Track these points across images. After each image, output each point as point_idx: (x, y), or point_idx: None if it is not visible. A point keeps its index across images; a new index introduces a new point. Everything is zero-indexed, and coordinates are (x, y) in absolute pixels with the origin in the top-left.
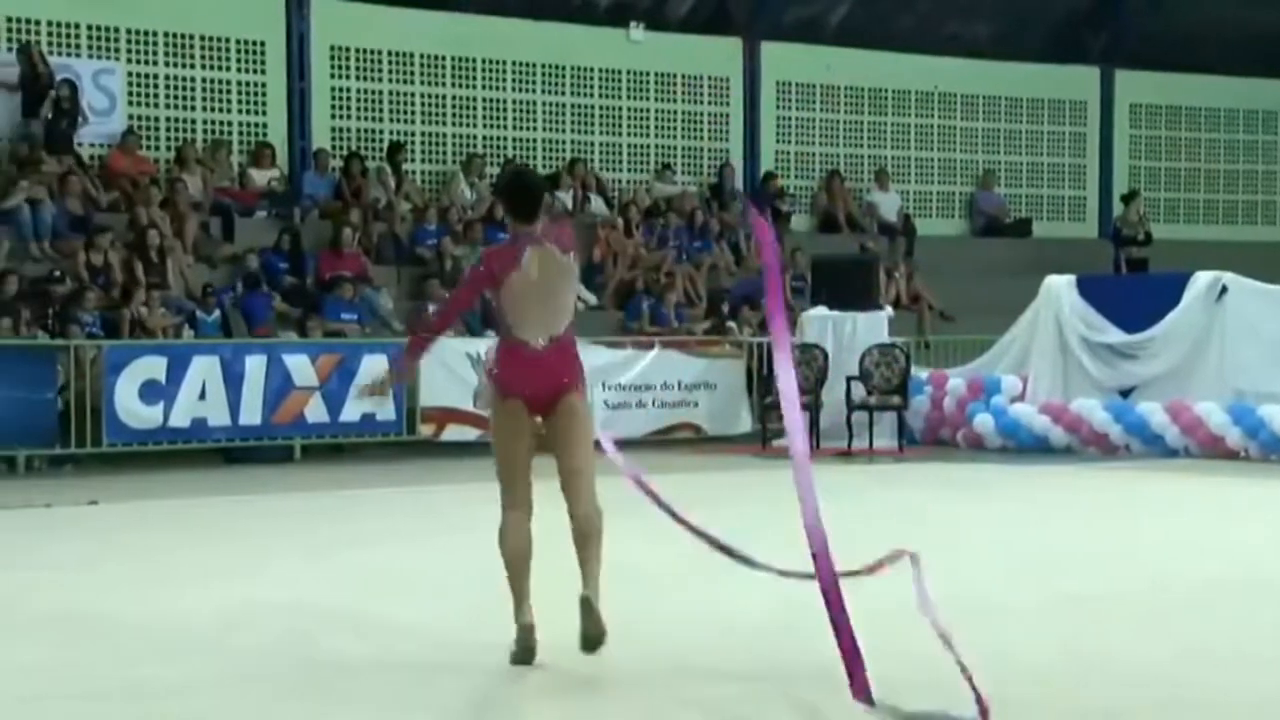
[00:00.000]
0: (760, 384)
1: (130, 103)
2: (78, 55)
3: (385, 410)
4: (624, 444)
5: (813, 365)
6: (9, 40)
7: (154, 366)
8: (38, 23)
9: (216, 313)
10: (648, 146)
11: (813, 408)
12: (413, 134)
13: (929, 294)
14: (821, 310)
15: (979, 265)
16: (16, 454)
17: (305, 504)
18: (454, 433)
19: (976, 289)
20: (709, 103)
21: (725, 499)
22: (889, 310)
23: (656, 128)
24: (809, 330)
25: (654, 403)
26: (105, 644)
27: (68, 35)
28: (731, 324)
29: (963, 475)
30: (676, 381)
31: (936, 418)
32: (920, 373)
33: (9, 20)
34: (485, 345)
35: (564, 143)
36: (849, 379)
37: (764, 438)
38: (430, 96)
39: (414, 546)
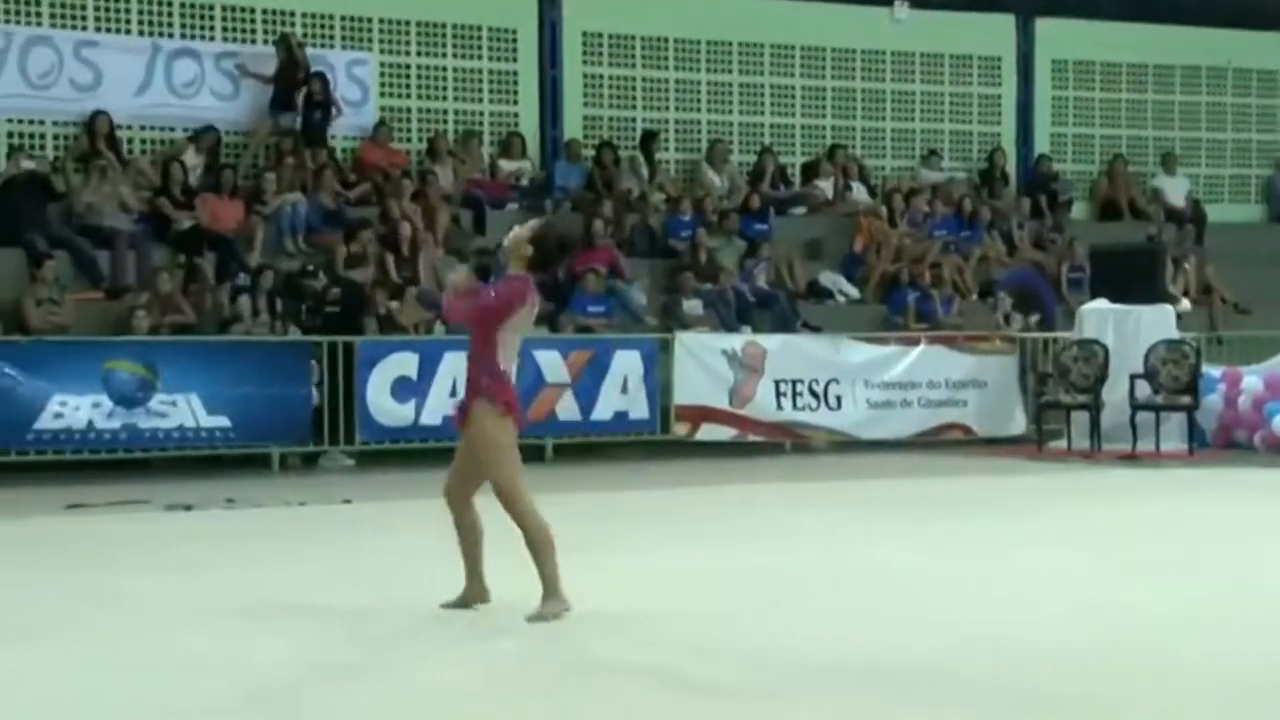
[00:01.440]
0: (1035, 382)
1: (382, 94)
2: (331, 46)
3: (638, 408)
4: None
5: (1092, 362)
6: (265, 32)
7: (406, 363)
8: (293, 14)
9: None
10: (913, 131)
11: (1092, 407)
12: (666, 121)
13: (1221, 285)
14: (1102, 303)
15: (1277, 254)
16: (272, 451)
17: (563, 505)
18: (709, 432)
19: (1274, 279)
20: (979, 84)
21: (1009, 505)
22: (1185, 304)
23: (922, 111)
24: (1088, 325)
25: (920, 402)
26: (389, 640)
27: (322, 26)
28: (1006, 317)
29: (1263, 480)
30: (944, 379)
31: (1230, 418)
32: (1212, 370)
33: (265, 12)
34: (741, 341)
35: (823, 128)
36: (1133, 377)
37: (1039, 439)
38: (685, 82)
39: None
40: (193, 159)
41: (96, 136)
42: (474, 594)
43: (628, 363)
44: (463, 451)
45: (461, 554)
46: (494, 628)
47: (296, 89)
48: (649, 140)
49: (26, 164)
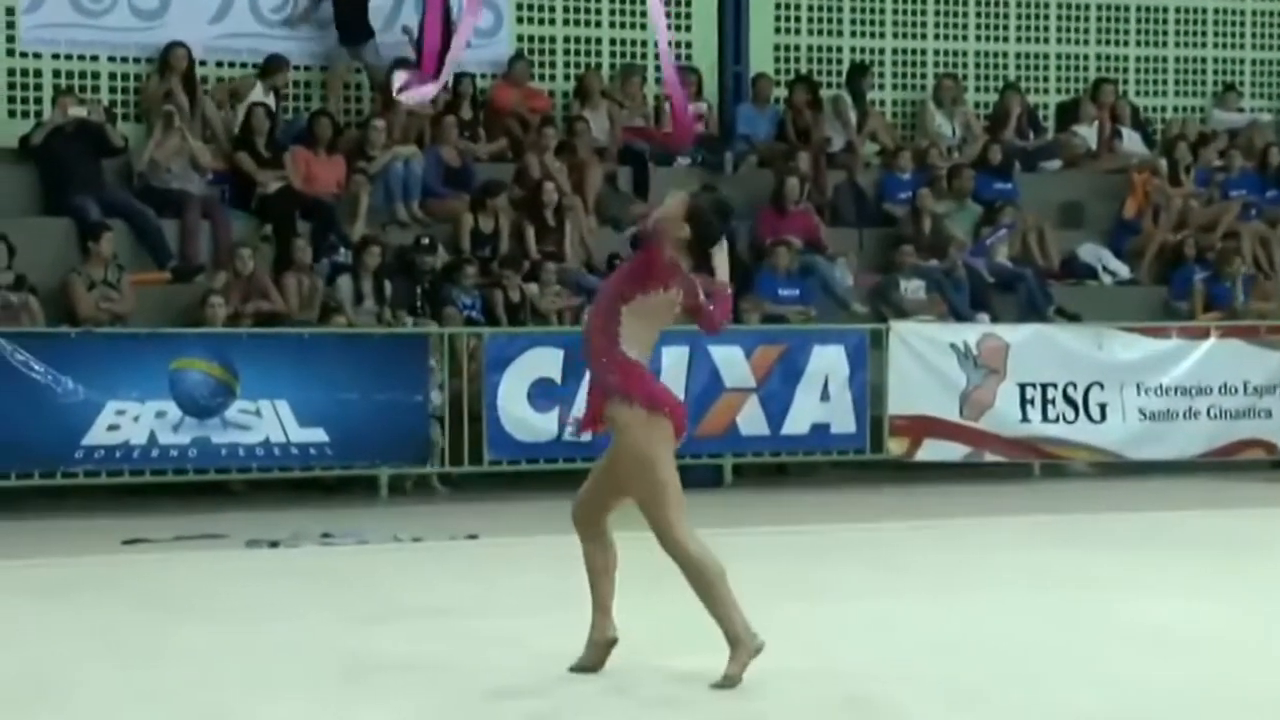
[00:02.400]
0: None
1: (519, 19)
2: None
3: (842, 419)
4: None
5: None
6: None
7: (547, 361)
8: None
9: None
10: (1203, 60)
11: None
12: (881, 51)
13: None
14: None
15: None
16: (379, 472)
17: (743, 540)
18: (933, 450)
19: None
20: None
21: None
22: None
23: (1216, 34)
24: None
25: (1210, 413)
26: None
27: None
28: None
29: None
30: (1241, 383)
31: None
32: None
33: None
34: (975, 333)
35: (1085, 57)
36: None
37: None
38: (906, 2)
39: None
40: (261, 99)
41: (171, 74)
42: (601, 639)
43: (829, 361)
44: (604, 466)
45: (590, 587)
46: (652, 695)
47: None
48: (858, 75)
49: (76, 111)
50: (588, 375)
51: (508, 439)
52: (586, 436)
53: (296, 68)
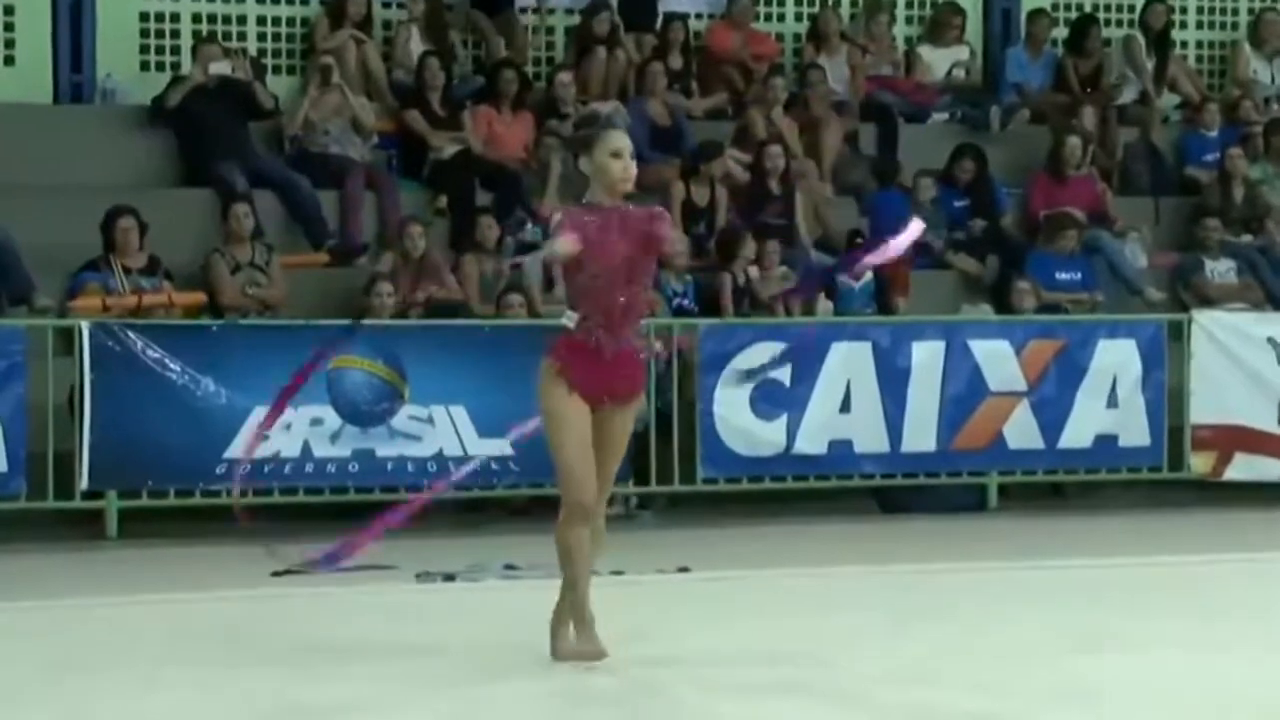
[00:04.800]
0: None
1: None
2: None
3: (1134, 430)
4: None
5: None
6: None
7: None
8: None
9: (868, 276)
10: None
11: None
12: None
13: None
14: None
15: None
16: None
17: (1009, 573)
18: (1247, 467)
19: None
20: None
21: None
22: None
23: None
24: None
25: None
26: None
27: None
28: None
29: None
30: None
31: None
32: None
33: None
34: None
35: None
36: None
37: None
38: None
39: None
40: (417, 45)
41: (347, 22)
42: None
43: (1118, 358)
44: (616, 438)
45: (580, 584)
46: None
47: None
48: (1154, 12)
49: (218, 67)
50: (617, 343)
51: (724, 452)
52: None
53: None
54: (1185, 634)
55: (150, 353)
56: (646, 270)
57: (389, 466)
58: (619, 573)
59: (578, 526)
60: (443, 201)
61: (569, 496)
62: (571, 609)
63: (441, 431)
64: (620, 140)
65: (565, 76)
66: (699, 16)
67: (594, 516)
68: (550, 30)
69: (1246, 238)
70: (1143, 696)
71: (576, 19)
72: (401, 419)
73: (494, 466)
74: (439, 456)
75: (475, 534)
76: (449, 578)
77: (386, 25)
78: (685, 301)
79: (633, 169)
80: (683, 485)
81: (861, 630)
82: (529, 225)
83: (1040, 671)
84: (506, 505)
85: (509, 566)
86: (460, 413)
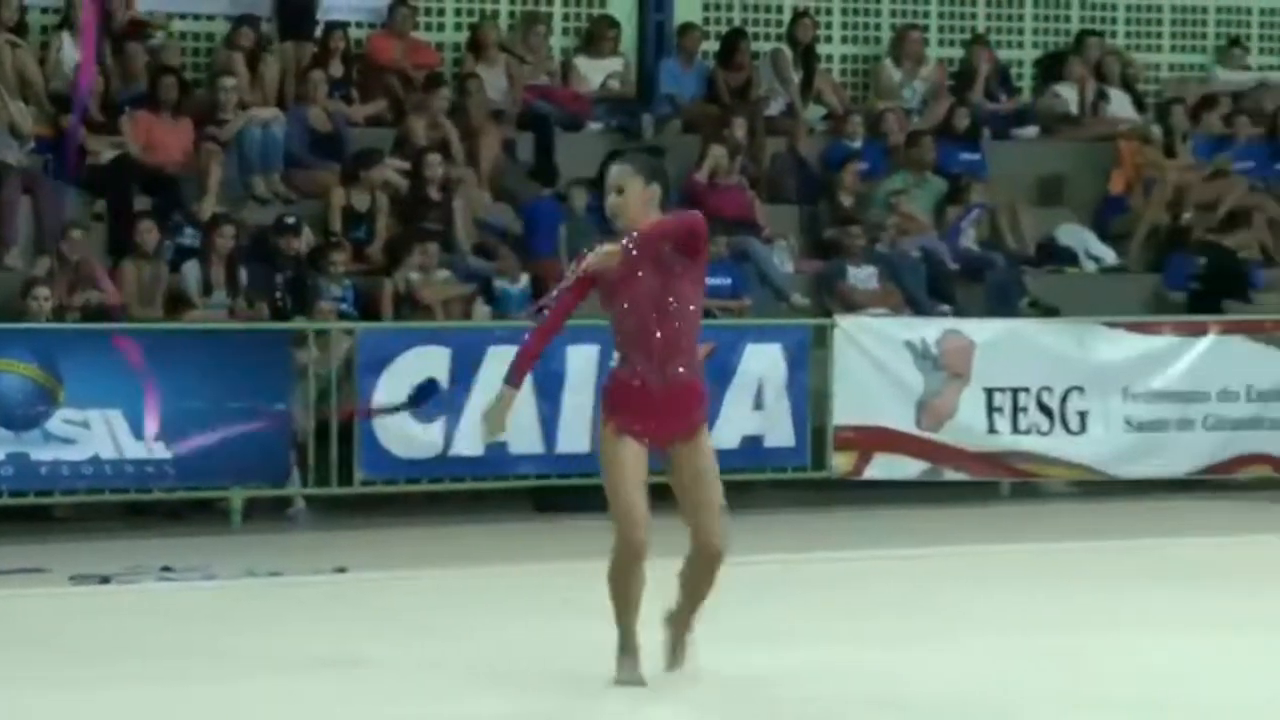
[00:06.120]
0: None
1: None
2: None
3: (778, 431)
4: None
5: None
6: None
7: (432, 362)
8: None
9: (525, 279)
10: (1203, 10)
11: None
12: None
13: None
14: None
15: None
16: (231, 496)
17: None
18: (885, 466)
19: None
20: None
21: None
22: None
23: None
24: None
25: (1207, 422)
26: None
27: None
28: None
29: None
30: (1245, 388)
31: None
32: None
33: None
34: (936, 329)
35: (1068, 5)
36: None
37: None
38: None
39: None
40: (70, 53)
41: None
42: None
43: (764, 362)
44: (696, 468)
45: (625, 619)
46: None
47: None
48: (802, 26)
49: None
50: (665, 379)
51: (384, 455)
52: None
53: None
54: (825, 629)
55: None
56: (681, 297)
57: (44, 470)
58: (276, 574)
59: (628, 563)
60: (100, 206)
61: (620, 534)
62: (619, 635)
63: (97, 436)
64: (610, 176)
65: (228, 82)
66: (359, 25)
67: (647, 550)
68: (211, 37)
69: (888, 246)
70: (782, 682)
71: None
72: (56, 423)
73: (150, 470)
74: (95, 460)
75: (132, 537)
76: (104, 580)
77: (44, 29)
78: (345, 306)
79: (613, 202)
80: (341, 487)
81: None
82: (187, 230)
83: (721, 664)
84: (161, 509)
85: (165, 569)
86: (116, 417)
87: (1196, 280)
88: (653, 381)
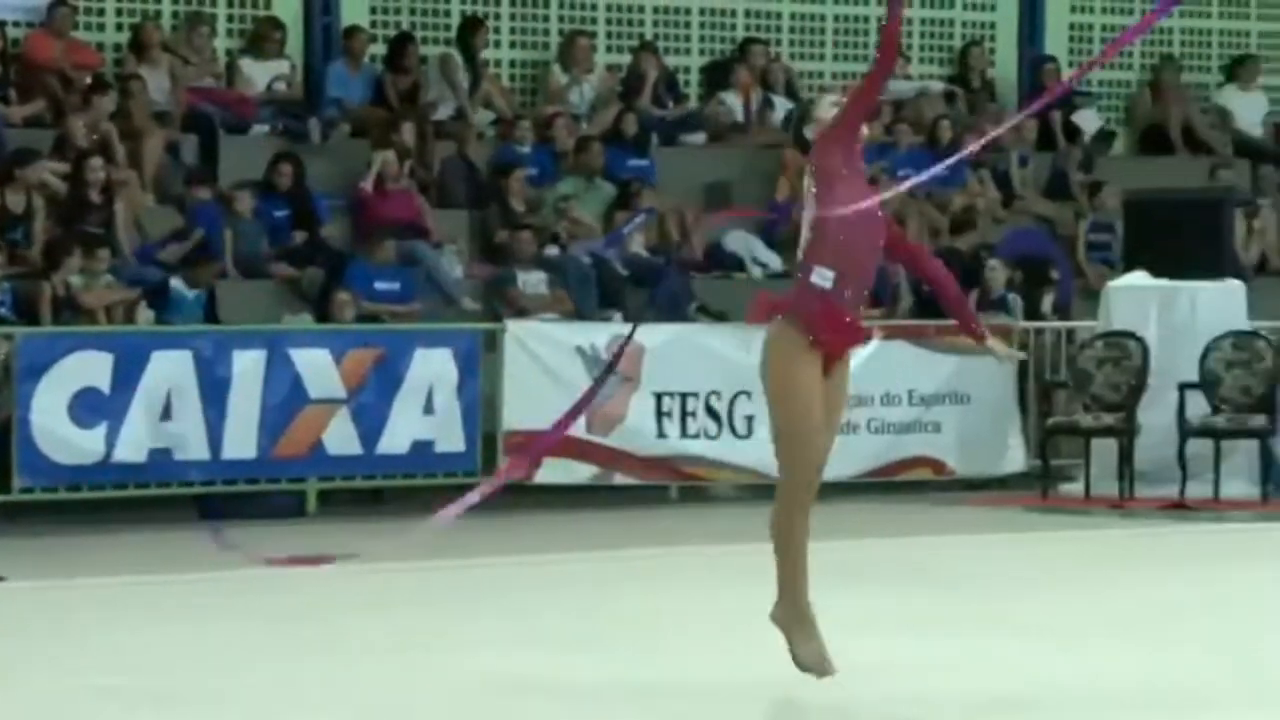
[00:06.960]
0: (1040, 395)
1: None
2: None
3: (449, 436)
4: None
5: (1124, 365)
6: None
7: (94, 368)
8: None
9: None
10: (865, 19)
11: (1124, 432)
12: (499, 2)
13: None
14: (1139, 278)
15: None
16: None
17: (323, 583)
18: (555, 471)
19: None
20: None
21: (999, 583)
22: None
23: None
24: (1117, 310)
25: (870, 426)
26: None
27: None
28: (1001, 300)
29: None
30: (906, 392)
31: None
32: None
33: None
34: (605, 334)
35: (733, 13)
36: (1183, 387)
37: (1044, 481)
38: None
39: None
40: None
41: None
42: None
43: (434, 367)
44: (843, 391)
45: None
46: None
47: None
48: (471, 31)
49: None
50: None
51: (44, 461)
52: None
53: None
54: (502, 634)
55: None
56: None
57: None
58: None
59: (805, 510)
60: None
61: (800, 473)
62: (791, 607)
63: None
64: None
65: None
66: (17, 25)
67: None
68: None
69: (557, 250)
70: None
71: None
72: None
73: None
74: None
75: None
76: None
77: None
78: (2, 310)
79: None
80: None
81: (175, 640)
82: None
83: (349, 674)
84: None
85: None
86: None
87: None
88: (850, 301)
